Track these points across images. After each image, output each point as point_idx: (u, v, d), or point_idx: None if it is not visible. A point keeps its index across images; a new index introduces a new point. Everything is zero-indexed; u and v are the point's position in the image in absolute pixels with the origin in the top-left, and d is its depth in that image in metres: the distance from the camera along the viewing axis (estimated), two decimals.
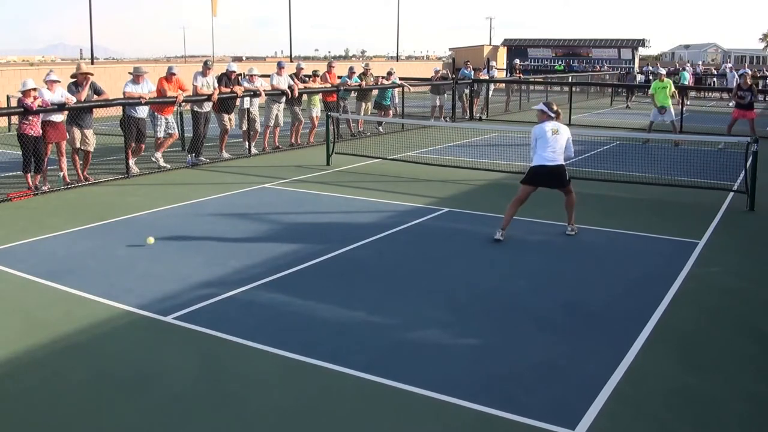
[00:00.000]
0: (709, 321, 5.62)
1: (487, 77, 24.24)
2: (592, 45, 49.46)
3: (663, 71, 17.55)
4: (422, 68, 39.61)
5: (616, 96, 29.83)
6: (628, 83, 31.66)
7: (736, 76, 21.87)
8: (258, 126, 14.28)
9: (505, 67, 46.23)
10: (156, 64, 26.84)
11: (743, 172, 9.99)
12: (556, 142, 7.74)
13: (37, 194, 10.02)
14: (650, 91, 16.93)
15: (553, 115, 7.91)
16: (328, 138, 13.00)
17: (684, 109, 19.97)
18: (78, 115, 10.62)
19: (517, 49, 50.82)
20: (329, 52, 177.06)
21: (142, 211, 9.12)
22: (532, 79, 36.22)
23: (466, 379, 4.54)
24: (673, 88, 16.48)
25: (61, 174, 10.56)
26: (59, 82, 10.36)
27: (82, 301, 5.86)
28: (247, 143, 13.83)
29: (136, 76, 11.58)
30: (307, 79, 15.59)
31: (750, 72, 18.58)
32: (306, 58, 79.15)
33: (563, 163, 7.83)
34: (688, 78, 29.73)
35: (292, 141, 15.12)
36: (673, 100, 16.74)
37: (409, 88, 19.50)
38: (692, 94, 30.85)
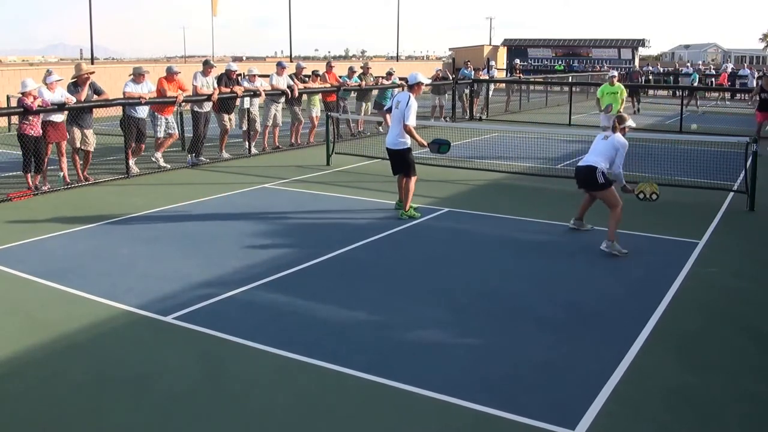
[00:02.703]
0: (709, 321, 5.62)
1: (487, 77, 24.24)
2: (592, 45, 49.44)
3: (615, 74, 14.93)
4: (422, 68, 39.46)
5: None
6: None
7: (757, 76, 21.18)
8: (258, 126, 14.28)
9: (505, 67, 46.22)
10: (156, 64, 26.83)
11: (743, 172, 10.00)
12: (596, 147, 7.75)
13: (37, 194, 10.02)
14: (597, 95, 14.75)
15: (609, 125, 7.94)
16: (328, 138, 12.99)
17: (687, 109, 19.87)
18: (78, 115, 10.62)
19: (517, 49, 50.80)
20: (329, 52, 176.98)
21: (142, 211, 9.12)
22: (532, 79, 36.20)
23: (466, 379, 4.54)
24: (625, 94, 14.56)
25: (62, 174, 10.56)
26: (61, 80, 10.37)
27: (82, 301, 5.86)
28: (247, 143, 13.83)
29: (137, 76, 11.59)
30: (307, 79, 15.60)
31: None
32: (306, 58, 79.08)
33: (596, 166, 7.51)
34: (698, 79, 29.32)
35: (292, 141, 15.12)
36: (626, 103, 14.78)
37: None
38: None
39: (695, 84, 28.45)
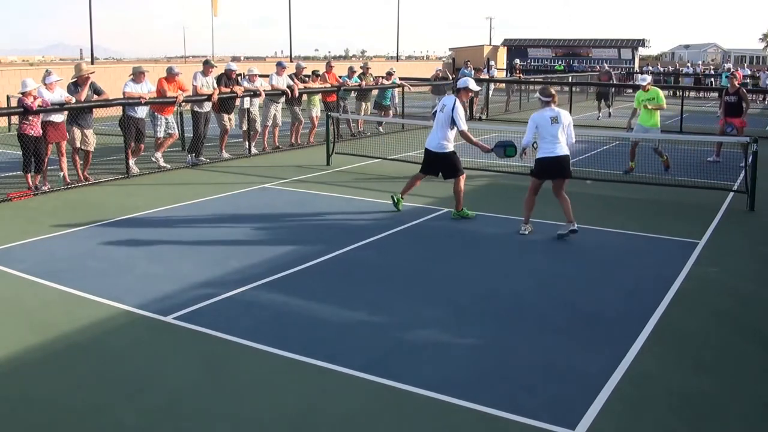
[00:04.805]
0: (710, 321, 5.62)
1: (487, 77, 24.23)
2: (592, 45, 49.44)
3: (648, 78, 12.25)
4: (422, 68, 39.61)
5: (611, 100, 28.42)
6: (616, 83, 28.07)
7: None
8: (258, 126, 14.28)
9: (505, 67, 46.23)
10: (156, 64, 26.84)
11: (743, 172, 10.00)
12: (554, 133, 7.84)
13: (37, 194, 10.02)
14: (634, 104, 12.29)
15: (546, 99, 8.01)
16: (328, 138, 13.00)
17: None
18: (78, 115, 10.62)
19: (517, 49, 50.81)
20: (329, 52, 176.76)
21: (142, 211, 9.12)
22: (532, 79, 36.18)
23: (466, 379, 4.54)
24: (663, 100, 11.97)
25: (62, 174, 10.56)
26: (60, 80, 10.37)
27: (82, 301, 5.86)
28: (247, 143, 13.83)
29: (136, 76, 11.59)
30: (307, 79, 15.60)
31: (740, 73, 16.41)
32: (306, 58, 79.15)
33: (568, 154, 7.94)
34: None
35: (292, 141, 15.12)
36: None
37: (410, 88, 19.50)
38: (692, 94, 30.66)
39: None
